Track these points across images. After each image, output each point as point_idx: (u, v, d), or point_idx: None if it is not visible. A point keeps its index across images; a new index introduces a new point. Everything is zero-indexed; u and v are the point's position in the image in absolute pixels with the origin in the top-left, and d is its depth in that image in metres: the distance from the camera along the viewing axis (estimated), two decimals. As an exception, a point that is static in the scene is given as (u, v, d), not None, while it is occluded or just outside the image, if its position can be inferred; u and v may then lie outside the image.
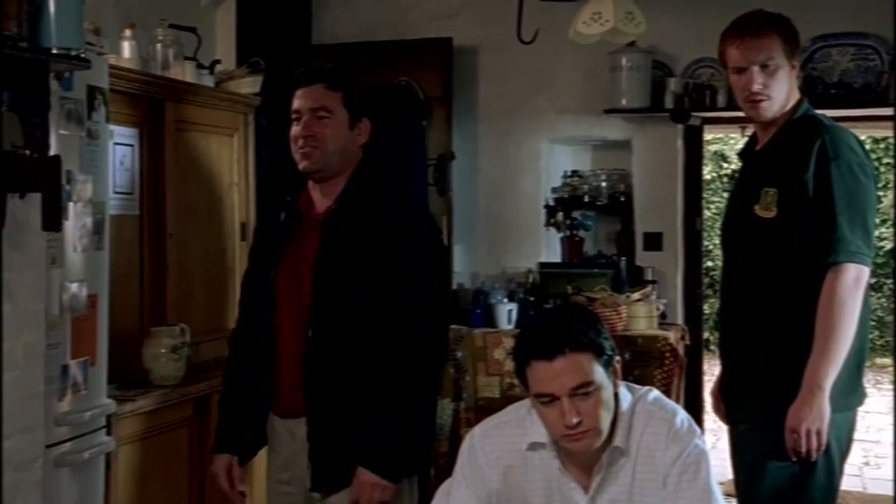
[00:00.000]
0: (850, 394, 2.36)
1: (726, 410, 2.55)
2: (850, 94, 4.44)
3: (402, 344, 2.32)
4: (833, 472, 2.36)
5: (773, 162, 2.42)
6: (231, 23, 4.40)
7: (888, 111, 4.48)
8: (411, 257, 2.37)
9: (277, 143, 4.56)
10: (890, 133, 6.81)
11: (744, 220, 2.46)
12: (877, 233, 10.69)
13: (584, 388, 1.85)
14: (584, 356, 1.86)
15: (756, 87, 2.41)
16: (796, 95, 2.48)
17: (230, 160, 3.80)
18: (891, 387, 6.48)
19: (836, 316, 2.25)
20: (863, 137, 9.73)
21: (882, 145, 9.42)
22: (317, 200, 2.48)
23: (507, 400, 3.46)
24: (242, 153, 3.86)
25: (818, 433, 2.25)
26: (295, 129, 2.44)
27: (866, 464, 5.76)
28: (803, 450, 2.26)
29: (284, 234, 2.48)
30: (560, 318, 2.06)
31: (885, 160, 9.49)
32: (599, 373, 1.87)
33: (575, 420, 1.83)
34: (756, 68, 2.41)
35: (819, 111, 2.54)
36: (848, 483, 5.38)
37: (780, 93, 2.42)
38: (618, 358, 1.94)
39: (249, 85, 3.84)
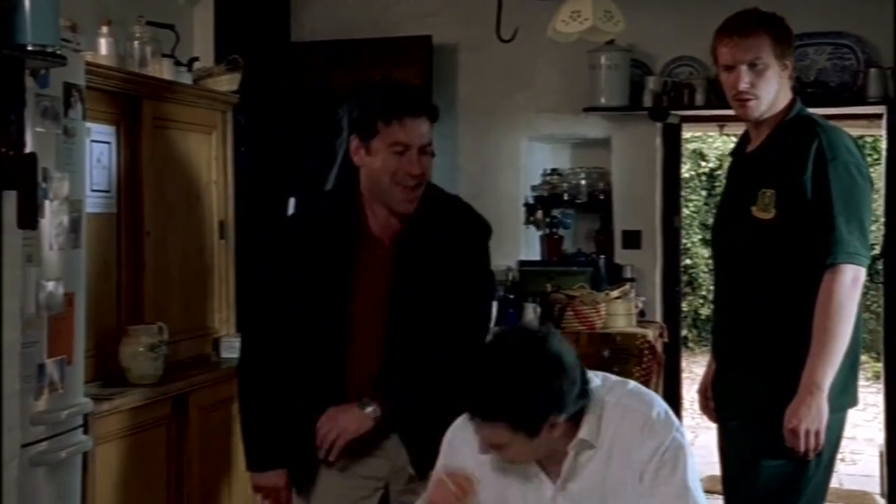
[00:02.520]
0: (842, 394, 2.36)
1: (716, 408, 2.56)
2: (826, 92, 4.48)
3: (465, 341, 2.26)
4: (825, 471, 2.39)
5: (770, 163, 2.42)
6: (209, 20, 4.38)
7: (864, 110, 4.53)
8: (476, 264, 2.42)
9: (255, 141, 4.59)
10: (866, 132, 6.86)
11: (739, 221, 2.44)
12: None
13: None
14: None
15: (743, 86, 2.41)
16: (788, 95, 2.47)
17: (208, 158, 3.78)
18: (867, 383, 6.54)
19: (834, 317, 2.26)
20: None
21: (859, 142, 9.50)
22: (382, 220, 2.32)
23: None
24: (221, 151, 3.84)
25: (816, 433, 2.26)
26: (405, 163, 2.27)
27: (842, 460, 5.79)
28: (801, 449, 2.27)
29: (347, 258, 2.30)
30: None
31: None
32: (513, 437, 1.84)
33: None
34: (744, 67, 2.41)
35: (811, 110, 2.54)
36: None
37: (768, 92, 2.42)
38: (556, 416, 1.83)
39: (228, 82, 3.82)
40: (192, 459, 3.34)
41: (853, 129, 7.35)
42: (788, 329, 2.34)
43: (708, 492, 2.06)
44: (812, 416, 2.25)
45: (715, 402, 2.57)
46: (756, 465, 2.35)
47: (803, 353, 2.28)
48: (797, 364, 2.29)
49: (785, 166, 2.37)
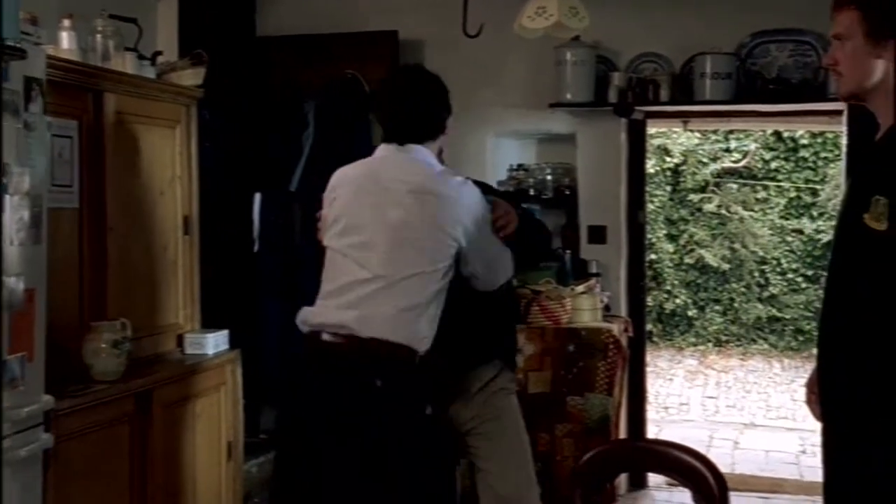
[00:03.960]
0: None
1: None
2: (788, 89, 4.53)
3: None
4: None
5: (887, 163, 2.17)
6: (173, 14, 4.35)
7: (825, 106, 4.58)
8: None
9: (220, 136, 4.56)
10: (827, 128, 6.95)
11: (851, 229, 2.20)
12: (814, 226, 10.89)
13: None
14: None
15: (825, 61, 2.30)
16: None
17: (172, 153, 3.75)
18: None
19: None
20: (800, 132, 9.99)
21: (819, 140, 9.62)
22: None
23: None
24: (185, 146, 3.81)
25: None
26: None
27: (803, 452, 5.89)
28: None
29: None
30: None
31: (823, 154, 9.70)
32: None
33: None
34: (835, 41, 2.26)
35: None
36: (785, 471, 5.52)
37: (854, 70, 2.22)
38: None
39: (192, 77, 3.79)
40: (156, 457, 3.32)
41: (814, 126, 7.49)
42: (879, 358, 2.10)
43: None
44: None
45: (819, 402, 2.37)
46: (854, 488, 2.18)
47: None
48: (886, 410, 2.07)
49: None
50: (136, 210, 3.52)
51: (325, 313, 2.76)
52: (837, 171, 8.90)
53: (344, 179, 2.89)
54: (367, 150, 4.78)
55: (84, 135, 3.25)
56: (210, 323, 3.94)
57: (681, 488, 2.55)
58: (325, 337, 2.72)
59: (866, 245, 2.17)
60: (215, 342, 3.78)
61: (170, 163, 3.73)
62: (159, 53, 3.86)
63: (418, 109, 2.81)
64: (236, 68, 4.78)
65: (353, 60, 4.88)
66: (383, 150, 2.85)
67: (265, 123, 4.78)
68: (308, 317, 2.80)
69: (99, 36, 3.39)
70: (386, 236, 2.71)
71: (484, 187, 2.99)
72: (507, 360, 3.22)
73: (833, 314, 2.32)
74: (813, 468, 5.43)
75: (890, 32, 2.17)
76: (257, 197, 4.72)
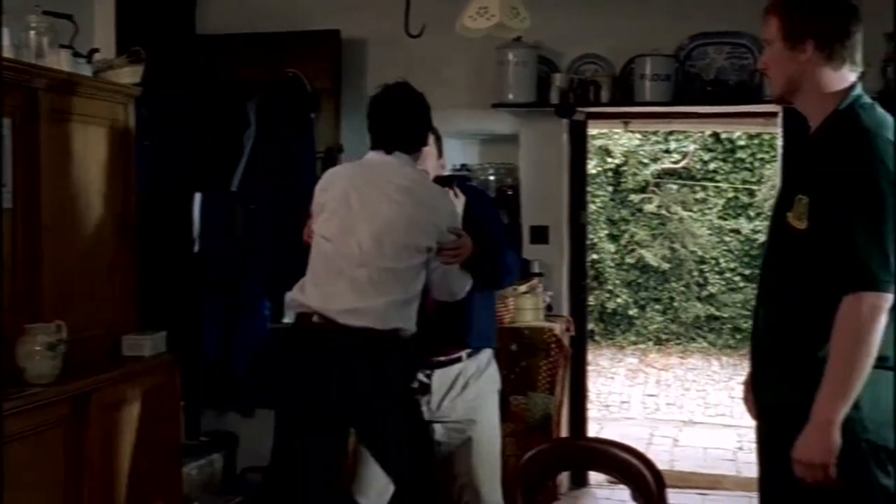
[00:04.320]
0: None
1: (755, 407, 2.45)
2: (725, 90, 4.60)
3: None
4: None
5: (808, 163, 2.22)
6: (110, 10, 4.27)
7: (761, 108, 4.67)
8: None
9: (159, 135, 4.50)
10: (763, 129, 7.07)
11: (778, 228, 2.27)
12: (751, 226, 11.10)
13: None
14: None
15: (759, 65, 2.39)
16: (833, 84, 2.23)
17: (109, 152, 3.69)
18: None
19: (850, 349, 2.09)
20: (737, 134, 10.14)
21: (756, 141, 9.81)
22: None
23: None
24: (122, 145, 3.75)
25: (824, 467, 2.12)
26: None
27: (740, 448, 5.99)
28: (809, 481, 2.14)
29: None
30: None
31: (759, 156, 9.88)
32: None
33: None
34: (766, 46, 2.33)
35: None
36: (723, 467, 5.61)
37: (777, 74, 2.29)
38: None
39: (129, 75, 3.74)
40: (93, 461, 3.26)
41: (751, 127, 7.62)
42: (812, 353, 2.16)
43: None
44: (820, 450, 2.11)
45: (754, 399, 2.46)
46: (788, 482, 2.22)
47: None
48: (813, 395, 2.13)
49: (820, 172, 2.16)
50: (72, 210, 3.46)
51: (314, 298, 2.97)
52: (773, 172, 9.06)
53: (336, 176, 3.13)
54: (310, 150, 4.81)
55: (18, 133, 3.18)
56: (149, 324, 3.89)
57: (621, 486, 2.58)
58: (315, 319, 2.95)
59: (791, 244, 2.24)
60: (154, 344, 3.73)
61: (107, 162, 3.67)
62: (96, 51, 3.80)
63: (405, 121, 3.07)
64: (176, 66, 4.71)
65: (295, 59, 4.85)
66: (373, 155, 3.08)
67: (205, 122, 4.72)
68: (299, 298, 3.03)
69: (33, 32, 3.32)
70: (375, 231, 2.92)
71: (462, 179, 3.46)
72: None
73: (764, 313, 2.38)
74: (750, 464, 5.50)
75: (806, 34, 2.23)
76: (197, 197, 4.67)
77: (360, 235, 2.93)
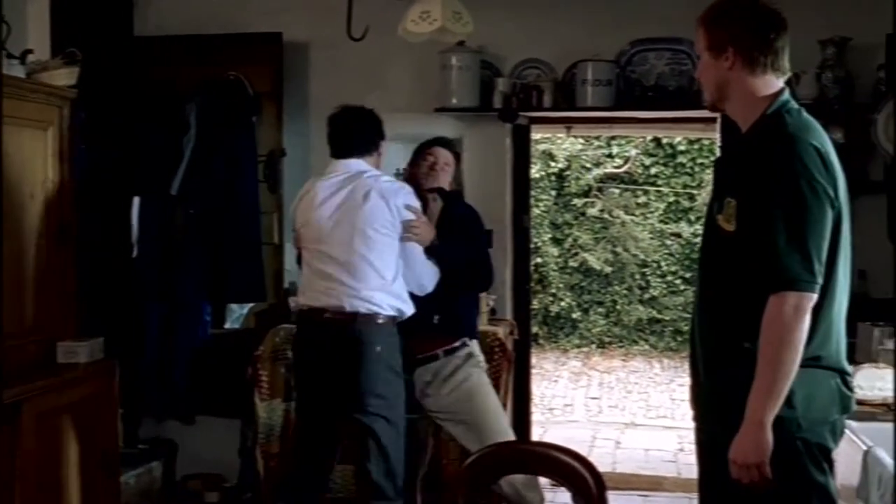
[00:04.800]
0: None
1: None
2: (665, 96, 4.65)
3: None
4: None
5: (737, 166, 2.28)
6: (44, 10, 4.17)
7: (701, 113, 4.73)
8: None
9: (97, 138, 4.42)
10: (703, 134, 7.18)
11: (710, 230, 2.33)
12: (691, 230, 11.25)
13: None
14: None
15: (696, 75, 2.45)
16: (760, 90, 2.30)
17: (45, 155, 3.61)
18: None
19: (777, 348, 2.14)
20: (678, 139, 10.25)
21: (696, 146, 9.96)
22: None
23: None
24: (58, 148, 3.67)
25: (759, 466, 2.16)
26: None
27: (681, 450, 6.06)
28: (745, 482, 2.18)
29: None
30: None
31: (699, 160, 10.03)
32: None
33: None
34: (699, 57, 2.40)
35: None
36: (664, 469, 5.68)
37: (708, 83, 2.37)
38: None
39: (65, 77, 3.66)
40: (27, 470, 3.19)
41: (691, 133, 7.73)
42: (746, 354, 2.20)
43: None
44: (754, 450, 2.15)
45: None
46: (726, 482, 2.26)
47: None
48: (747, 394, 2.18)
49: (746, 175, 2.22)
50: (6, 215, 3.37)
51: (312, 297, 3.49)
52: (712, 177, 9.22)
53: (305, 189, 3.64)
54: (251, 154, 4.76)
55: (-52, 135, 3.09)
56: (86, 331, 3.81)
57: (564, 489, 2.60)
58: (308, 313, 3.51)
59: (721, 246, 2.29)
60: (90, 350, 3.66)
61: (42, 165, 3.60)
62: (29, 52, 3.71)
63: (359, 131, 3.62)
64: (114, 69, 4.63)
65: (237, 62, 4.80)
66: (335, 164, 3.59)
67: (144, 125, 4.65)
68: (297, 301, 3.67)
69: (-37, 32, 3.24)
70: (346, 228, 3.43)
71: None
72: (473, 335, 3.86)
73: (698, 314, 2.42)
74: (690, 465, 5.54)
75: (727, 42, 2.31)
76: (136, 201, 4.59)
77: (333, 236, 3.43)
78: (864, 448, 2.69)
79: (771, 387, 2.14)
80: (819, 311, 2.19)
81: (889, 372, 3.27)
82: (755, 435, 2.16)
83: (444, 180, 3.84)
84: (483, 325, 4.57)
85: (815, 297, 2.16)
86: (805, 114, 2.32)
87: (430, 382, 3.70)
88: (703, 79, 2.41)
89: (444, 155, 3.88)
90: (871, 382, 3.21)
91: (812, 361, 2.18)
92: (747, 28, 2.31)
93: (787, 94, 2.32)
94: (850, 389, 2.30)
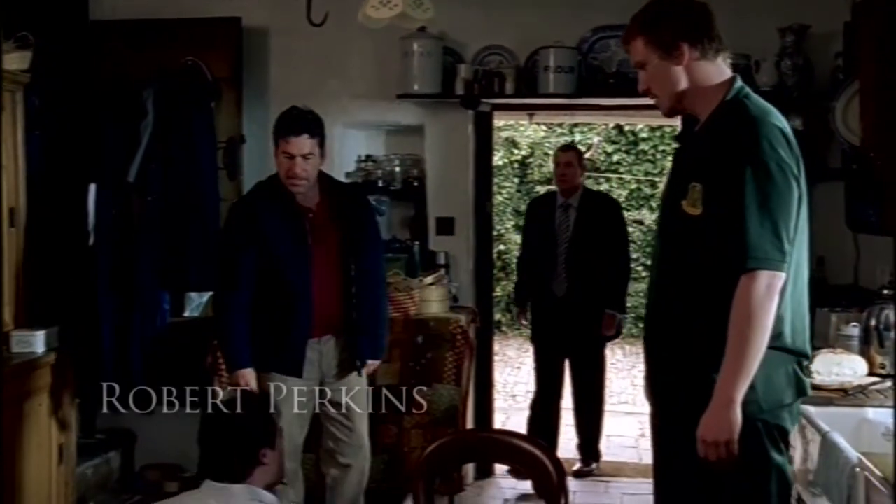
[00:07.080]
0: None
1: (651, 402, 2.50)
2: (626, 83, 4.64)
3: None
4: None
5: (700, 152, 2.31)
6: (-4, -8, 4.09)
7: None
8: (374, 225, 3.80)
9: (51, 124, 4.33)
10: (666, 122, 7.21)
11: (673, 215, 2.36)
12: (653, 217, 11.27)
13: None
14: None
15: (641, 89, 2.44)
16: (716, 77, 2.35)
17: (-4, 140, 3.54)
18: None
19: (747, 326, 2.16)
20: (640, 126, 10.28)
21: (658, 133, 10.00)
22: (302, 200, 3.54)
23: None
24: (10, 134, 3.61)
25: (727, 444, 2.18)
26: (288, 166, 3.46)
27: (642, 436, 6.10)
28: (712, 460, 2.20)
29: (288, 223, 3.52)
30: None
31: (661, 147, 10.09)
32: None
33: None
34: (640, 72, 2.42)
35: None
36: (624, 454, 5.71)
37: (664, 88, 2.38)
38: None
39: (17, 61, 3.59)
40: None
41: (653, 120, 7.76)
42: (708, 336, 2.23)
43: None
44: (722, 428, 2.17)
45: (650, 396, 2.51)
46: (682, 465, 2.31)
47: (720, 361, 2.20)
48: (715, 372, 2.21)
49: (712, 160, 2.26)
50: (-45, 201, 3.30)
51: None
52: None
53: None
54: (210, 140, 4.70)
55: None
56: (40, 320, 3.75)
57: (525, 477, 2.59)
58: None
59: (686, 231, 2.32)
60: (45, 340, 3.60)
61: (-7, 151, 3.52)
62: (-20, 35, 3.64)
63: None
64: (67, 53, 4.54)
65: (195, 47, 4.73)
66: None
67: (100, 111, 4.57)
68: None
69: (-90, 14, 3.16)
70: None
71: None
72: None
73: (658, 301, 2.44)
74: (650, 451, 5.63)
75: (677, 38, 2.35)
76: (92, 188, 4.51)
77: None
78: (822, 433, 2.72)
79: (741, 365, 2.17)
80: (782, 292, 2.22)
81: (846, 357, 3.31)
82: (724, 412, 2.18)
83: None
84: (445, 312, 4.57)
85: (783, 276, 2.19)
86: (760, 98, 2.37)
87: None
88: (656, 88, 2.41)
89: None
90: (829, 368, 3.24)
91: (771, 341, 2.20)
92: (689, 20, 2.36)
93: (740, 81, 2.37)
94: (807, 374, 2.33)
